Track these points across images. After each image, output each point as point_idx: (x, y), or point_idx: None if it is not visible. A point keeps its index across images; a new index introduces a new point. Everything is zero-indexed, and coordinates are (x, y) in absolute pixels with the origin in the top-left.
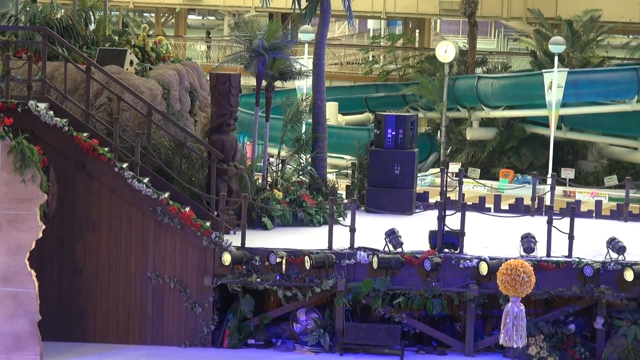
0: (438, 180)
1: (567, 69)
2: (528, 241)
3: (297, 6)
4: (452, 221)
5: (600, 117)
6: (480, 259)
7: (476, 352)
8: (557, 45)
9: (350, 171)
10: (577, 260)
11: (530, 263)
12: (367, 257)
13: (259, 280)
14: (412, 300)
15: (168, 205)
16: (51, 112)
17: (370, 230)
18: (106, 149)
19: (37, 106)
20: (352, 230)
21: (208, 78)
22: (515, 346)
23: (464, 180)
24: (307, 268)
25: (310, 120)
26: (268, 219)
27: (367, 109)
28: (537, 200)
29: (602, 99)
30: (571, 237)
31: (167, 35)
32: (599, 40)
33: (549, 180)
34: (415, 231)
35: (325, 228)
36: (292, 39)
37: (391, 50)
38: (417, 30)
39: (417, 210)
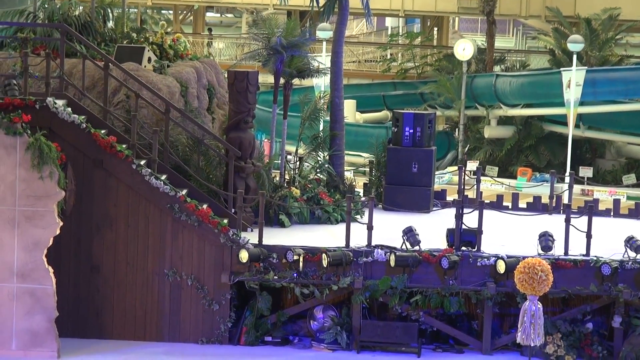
0: (456, 178)
1: (586, 68)
2: (546, 240)
3: (315, 4)
4: (470, 219)
5: (619, 116)
6: (497, 257)
7: (493, 350)
8: (575, 43)
9: (368, 169)
10: (595, 258)
11: (547, 261)
12: (385, 254)
13: (276, 277)
14: (429, 298)
15: (185, 202)
16: (69, 109)
17: (387, 228)
18: (124, 146)
19: (55, 103)
20: (370, 228)
21: (226, 75)
22: (532, 345)
23: (482, 178)
24: (325, 266)
25: (328, 118)
26: (285, 216)
27: (385, 106)
28: (555, 198)
29: (620, 98)
30: (589, 236)
31: (185, 33)
32: (617, 39)
33: (567, 179)
34: (433, 229)
35: (343, 226)
36: (310, 36)
37: (409, 48)
38: (436, 28)
39: (434, 208)
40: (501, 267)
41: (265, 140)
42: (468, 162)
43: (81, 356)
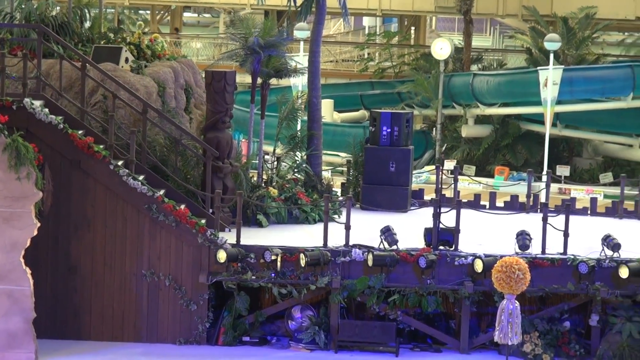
0: (433, 178)
1: (563, 66)
2: (523, 238)
3: (292, 3)
4: (447, 218)
5: (596, 115)
6: (475, 256)
7: (471, 349)
8: (552, 42)
9: (346, 168)
10: (572, 257)
11: (525, 260)
12: (362, 254)
13: (254, 277)
14: (407, 297)
15: (163, 202)
16: (46, 110)
17: (365, 228)
18: (101, 146)
19: (33, 104)
20: (347, 227)
21: (203, 75)
22: (510, 343)
23: (459, 177)
24: (302, 265)
25: (305, 118)
26: (263, 216)
27: (363, 106)
28: (532, 197)
29: (597, 96)
30: (566, 235)
31: (162, 33)
32: (594, 38)
33: (544, 178)
34: (411, 228)
35: (321, 225)
36: (287, 36)
37: (387, 48)
38: (413, 28)
39: (412, 208)
40: (479, 266)
41: (243, 140)
42: (445, 161)
43: (59, 357)
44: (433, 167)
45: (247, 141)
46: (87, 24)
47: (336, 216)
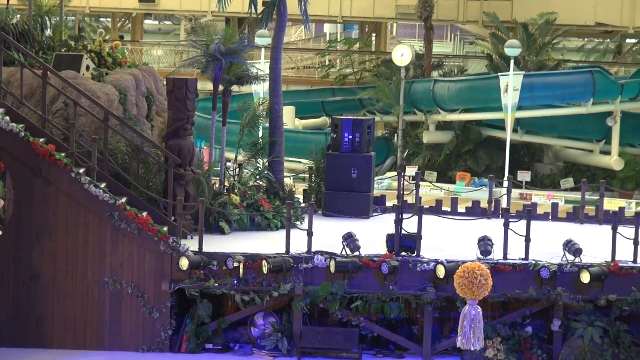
0: (395, 184)
1: (523, 72)
2: (485, 244)
3: (253, 10)
4: (409, 224)
5: (556, 120)
6: (437, 262)
7: (434, 354)
8: (512, 48)
9: (308, 175)
10: (534, 262)
11: (487, 266)
12: (325, 260)
13: (216, 284)
14: (369, 303)
15: (125, 210)
16: (7, 118)
17: (327, 234)
18: (63, 154)
19: None
20: (310, 234)
21: (165, 83)
22: (472, 349)
23: (421, 183)
24: (265, 272)
25: (267, 125)
26: (225, 223)
27: (324, 112)
28: (493, 203)
29: (557, 102)
30: (528, 240)
31: (123, 40)
32: (554, 43)
33: (506, 183)
34: (373, 235)
35: (283, 232)
36: (248, 43)
37: (348, 54)
38: (374, 34)
39: (374, 214)
40: (441, 271)
41: (205, 147)
42: (407, 167)
43: None
44: (395, 173)
45: (209, 148)
46: (48, 32)
47: (298, 223)
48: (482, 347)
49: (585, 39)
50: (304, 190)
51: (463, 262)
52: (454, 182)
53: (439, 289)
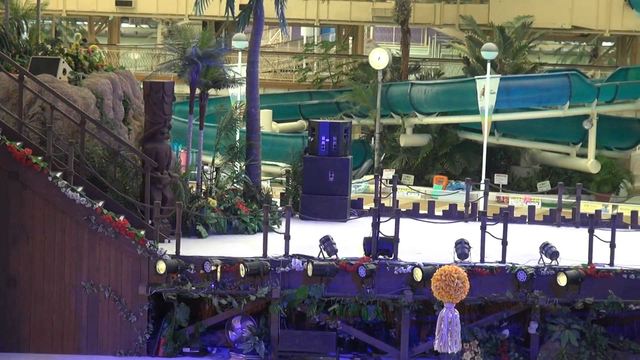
0: (372, 187)
1: (500, 75)
2: (462, 247)
3: (230, 14)
4: (387, 228)
5: (533, 123)
6: (414, 265)
7: (411, 358)
8: (489, 51)
9: (285, 178)
10: (511, 265)
11: (464, 269)
12: (302, 264)
13: (193, 288)
14: (347, 307)
15: (102, 214)
16: None
17: (304, 238)
18: (40, 158)
19: None
20: (287, 237)
21: (141, 86)
22: (449, 352)
23: (398, 186)
24: (242, 276)
25: (244, 128)
26: (203, 227)
27: (301, 116)
28: (470, 206)
29: (534, 105)
30: (504, 243)
31: (100, 44)
32: (531, 47)
33: (482, 186)
34: (350, 238)
35: (260, 236)
36: (225, 46)
37: (324, 58)
38: (351, 38)
39: (351, 217)
40: (418, 275)
41: (182, 150)
42: (384, 170)
43: None
44: (372, 176)
45: (186, 152)
46: (25, 35)
47: (275, 226)
48: (459, 350)
49: (562, 42)
50: (282, 193)
51: (440, 266)
52: (431, 186)
53: (416, 292)
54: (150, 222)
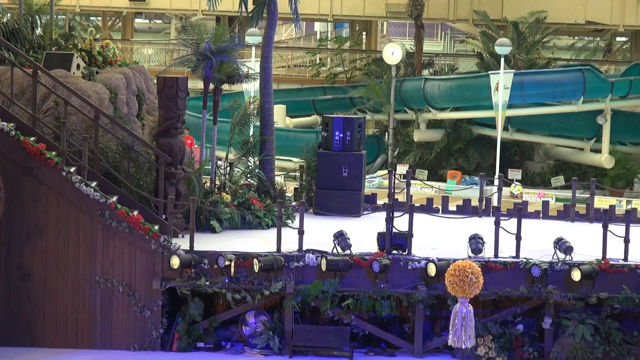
0: (386, 182)
1: (514, 71)
2: (476, 242)
3: (244, 9)
4: (400, 223)
5: (547, 118)
6: (428, 260)
7: (425, 353)
8: (503, 46)
9: (298, 174)
10: (525, 260)
11: (478, 264)
12: (316, 259)
13: (207, 283)
14: (360, 301)
15: (116, 209)
16: None
17: (318, 233)
18: (53, 153)
19: None
20: (301, 232)
21: (155, 81)
22: (463, 347)
23: (412, 181)
24: (256, 271)
25: (258, 123)
26: (216, 222)
27: (315, 111)
28: (484, 201)
29: (548, 100)
30: (518, 238)
31: (114, 39)
32: (544, 42)
33: (496, 181)
34: (364, 233)
35: (274, 231)
36: (239, 42)
37: (338, 53)
38: (364, 33)
39: (365, 212)
40: (432, 270)
41: (196, 146)
42: (398, 165)
43: None
44: (385, 171)
45: (200, 147)
46: (39, 31)
47: (289, 221)
48: (473, 345)
49: (576, 38)
50: (295, 188)
51: (454, 261)
52: (444, 181)
53: (430, 287)
54: (164, 217)
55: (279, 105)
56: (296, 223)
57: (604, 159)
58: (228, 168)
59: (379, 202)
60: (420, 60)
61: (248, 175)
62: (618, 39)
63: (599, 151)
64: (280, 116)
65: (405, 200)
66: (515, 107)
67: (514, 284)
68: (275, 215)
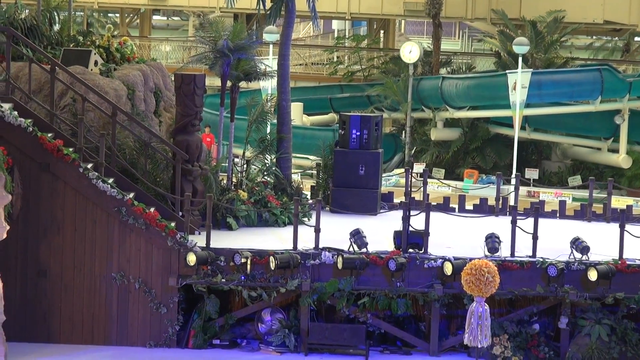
0: (403, 181)
1: (531, 70)
2: (492, 241)
3: (262, 7)
4: (417, 221)
5: (564, 118)
6: (444, 259)
7: (441, 351)
8: (521, 45)
9: (315, 171)
10: (541, 260)
11: (494, 263)
12: (332, 257)
13: (224, 280)
14: (376, 300)
15: (133, 205)
16: (15, 113)
17: (335, 231)
18: (71, 149)
19: (1, 107)
20: (317, 230)
21: (173, 78)
22: (479, 346)
23: (429, 180)
24: (272, 268)
25: (275, 121)
26: (233, 219)
27: (332, 109)
28: (501, 200)
29: (565, 100)
30: (535, 237)
31: (131, 36)
32: (562, 41)
33: (513, 181)
34: (380, 231)
35: (290, 228)
36: (256, 39)
37: (356, 51)
38: (382, 31)
39: (381, 211)
40: (448, 268)
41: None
42: (415, 164)
43: None
44: (402, 170)
45: (217, 144)
46: (56, 27)
47: (306, 219)
48: (489, 344)
49: (594, 37)
50: (312, 186)
51: (470, 260)
52: (461, 180)
53: (446, 286)
54: (180, 214)
55: (296, 103)
56: (312, 221)
57: (622, 159)
58: (245, 165)
59: (396, 200)
60: (437, 58)
61: (265, 173)
62: (636, 38)
63: (616, 151)
64: (297, 114)
65: (421, 199)
66: (533, 106)
67: (530, 283)
68: (292, 212)
